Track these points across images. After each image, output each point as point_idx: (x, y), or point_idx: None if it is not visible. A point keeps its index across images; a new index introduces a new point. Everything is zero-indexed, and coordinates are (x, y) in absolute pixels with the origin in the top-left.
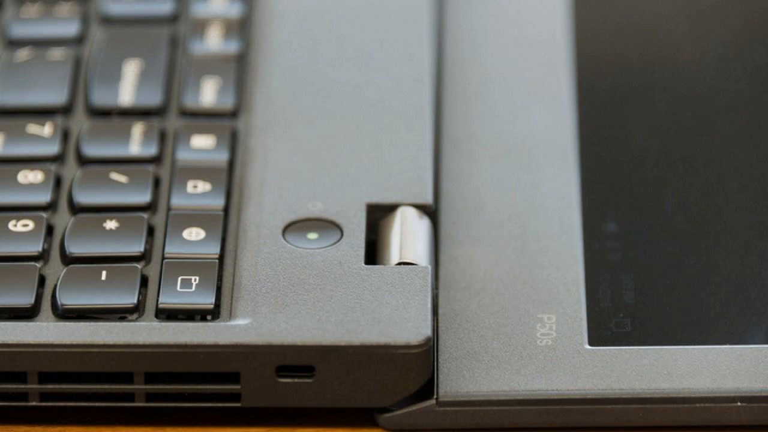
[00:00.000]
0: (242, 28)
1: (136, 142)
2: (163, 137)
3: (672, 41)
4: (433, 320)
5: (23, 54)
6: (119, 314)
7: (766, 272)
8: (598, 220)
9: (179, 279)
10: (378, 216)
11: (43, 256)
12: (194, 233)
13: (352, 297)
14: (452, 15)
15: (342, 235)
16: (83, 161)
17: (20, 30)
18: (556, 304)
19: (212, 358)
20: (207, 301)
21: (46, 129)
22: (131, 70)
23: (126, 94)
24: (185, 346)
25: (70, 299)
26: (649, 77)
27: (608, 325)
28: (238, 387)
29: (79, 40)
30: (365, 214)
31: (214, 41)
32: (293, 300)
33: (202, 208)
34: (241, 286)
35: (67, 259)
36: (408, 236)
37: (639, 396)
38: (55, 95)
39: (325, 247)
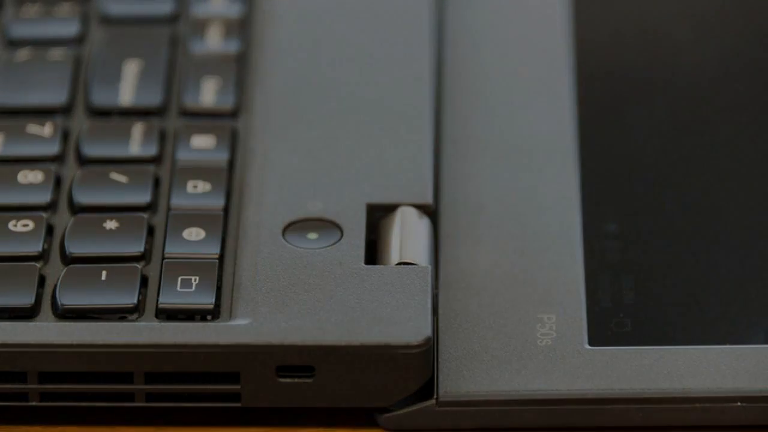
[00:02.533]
0: (242, 28)
1: (136, 142)
2: (163, 137)
3: (672, 41)
4: (433, 320)
5: (23, 54)
6: (119, 314)
7: (766, 272)
8: (598, 220)
9: (179, 279)
10: (378, 216)
11: (43, 256)
12: (194, 233)
13: (352, 297)
14: (452, 15)
15: (342, 235)
16: (83, 161)
17: (20, 30)
18: (556, 304)
19: (212, 358)
20: (207, 301)
21: (46, 129)
22: (131, 70)
23: (126, 94)
24: (185, 346)
25: (70, 299)
26: (649, 77)
27: (608, 325)
28: (238, 387)
29: (79, 40)
30: (365, 214)
31: (214, 41)
32: (293, 300)
33: (202, 208)
34: (241, 286)
35: (67, 259)
36: (408, 236)
37: (639, 396)
38: (55, 95)
39: (325, 247)
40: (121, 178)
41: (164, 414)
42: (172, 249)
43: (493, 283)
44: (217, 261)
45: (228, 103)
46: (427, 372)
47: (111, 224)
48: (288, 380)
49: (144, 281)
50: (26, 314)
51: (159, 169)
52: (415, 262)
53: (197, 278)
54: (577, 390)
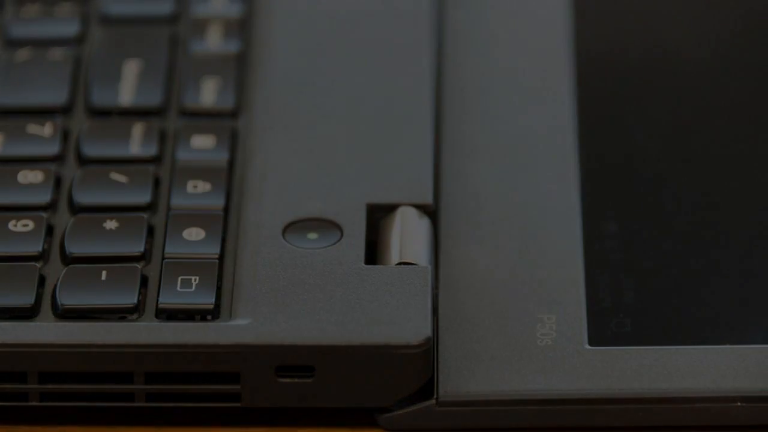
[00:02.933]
0: (242, 28)
1: (136, 142)
2: (163, 137)
3: (672, 41)
4: (433, 320)
5: (23, 54)
6: (119, 314)
7: (766, 272)
8: (598, 220)
9: (179, 279)
10: (378, 216)
11: (43, 256)
12: (194, 233)
13: (352, 297)
14: (452, 15)
15: (342, 235)
16: (83, 161)
17: (20, 30)
18: (556, 304)
19: (212, 358)
20: (207, 301)
21: (46, 129)
22: (131, 70)
23: (126, 94)
24: (185, 346)
25: (70, 299)
26: (649, 77)
27: (608, 325)
28: (238, 387)
29: (79, 40)
30: (365, 214)
31: (214, 41)
32: (293, 300)
33: (202, 208)
34: (241, 286)
35: (67, 259)
36: (408, 236)
37: (639, 396)
38: (55, 95)
39: (325, 247)
40: (121, 178)
41: (164, 414)
42: (172, 249)
43: (493, 283)
44: (217, 261)
45: (228, 103)
46: (427, 372)
47: (111, 224)
48: (288, 380)
49: (144, 281)
50: (26, 314)
51: (159, 169)
52: (415, 262)
53: (197, 278)
54: (577, 390)
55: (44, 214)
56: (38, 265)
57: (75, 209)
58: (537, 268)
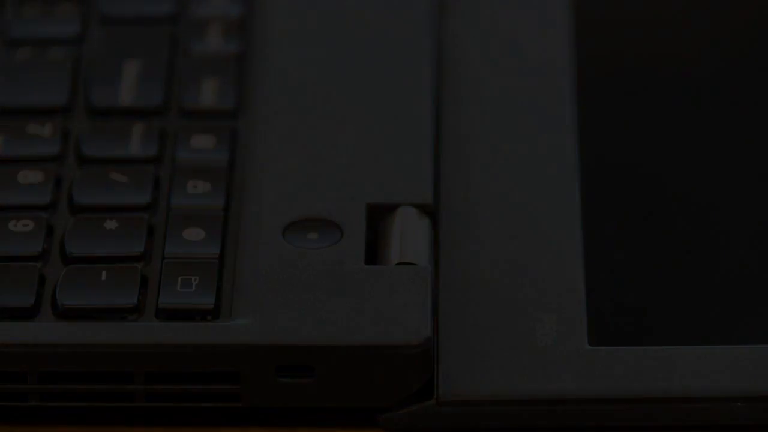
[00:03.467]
0: (242, 28)
1: (136, 142)
2: (163, 137)
3: (673, 41)
4: (433, 320)
5: (23, 54)
6: (119, 314)
7: (766, 272)
8: (599, 219)
9: (179, 279)
10: (378, 216)
11: (43, 256)
12: (194, 233)
13: (352, 297)
14: (452, 15)
15: (342, 235)
16: (83, 161)
17: (20, 30)
18: (556, 304)
19: (212, 358)
20: (207, 301)
21: (46, 129)
22: (131, 70)
23: (126, 94)
24: (185, 346)
25: (70, 299)
26: (650, 77)
27: (608, 325)
28: (238, 387)
29: (79, 40)
30: (365, 214)
31: (214, 41)
32: (293, 300)
33: (202, 208)
34: (241, 286)
35: (67, 259)
36: (408, 236)
37: (639, 396)
38: (55, 95)
39: (325, 247)
40: (121, 178)
41: (164, 414)
42: (172, 249)
43: (493, 283)
44: (217, 261)
45: (228, 103)
46: (427, 372)
47: (111, 224)
48: (288, 380)
49: (144, 281)
50: (26, 314)
51: (159, 169)
52: (415, 262)
53: (197, 278)
54: (577, 390)
55: (44, 214)
56: (38, 265)
57: (75, 209)
58: (537, 268)
